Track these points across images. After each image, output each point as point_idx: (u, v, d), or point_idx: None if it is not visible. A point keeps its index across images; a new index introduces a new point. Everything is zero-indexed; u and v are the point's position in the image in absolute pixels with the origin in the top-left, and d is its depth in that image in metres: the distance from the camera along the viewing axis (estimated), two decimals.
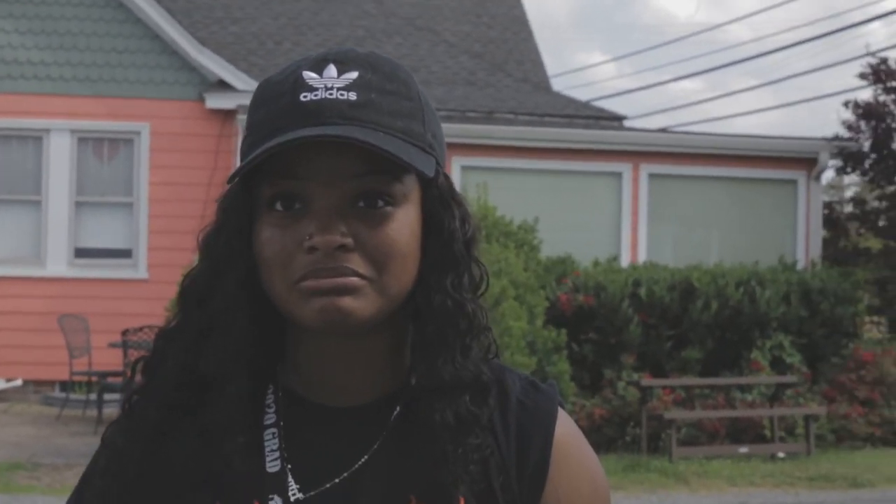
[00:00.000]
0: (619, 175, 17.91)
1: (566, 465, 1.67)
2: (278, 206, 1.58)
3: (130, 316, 16.15)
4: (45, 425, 15.17)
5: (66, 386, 16.82)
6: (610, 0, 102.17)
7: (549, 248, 15.84)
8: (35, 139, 17.65)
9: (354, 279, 1.54)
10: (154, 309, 15.44)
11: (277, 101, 1.59)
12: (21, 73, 17.66)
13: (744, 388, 14.85)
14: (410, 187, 1.61)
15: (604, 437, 13.87)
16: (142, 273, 17.41)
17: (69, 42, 17.78)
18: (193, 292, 1.68)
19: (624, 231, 17.79)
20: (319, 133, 1.53)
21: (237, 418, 1.62)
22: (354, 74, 1.59)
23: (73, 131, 17.61)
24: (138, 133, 17.70)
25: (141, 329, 14.72)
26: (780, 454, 13.78)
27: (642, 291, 15.24)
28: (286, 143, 1.53)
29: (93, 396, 15.59)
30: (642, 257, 17.44)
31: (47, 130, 17.57)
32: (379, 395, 1.67)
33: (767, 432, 14.14)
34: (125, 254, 17.62)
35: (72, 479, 11.75)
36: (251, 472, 1.63)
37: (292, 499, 1.61)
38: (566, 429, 1.70)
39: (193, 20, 20.08)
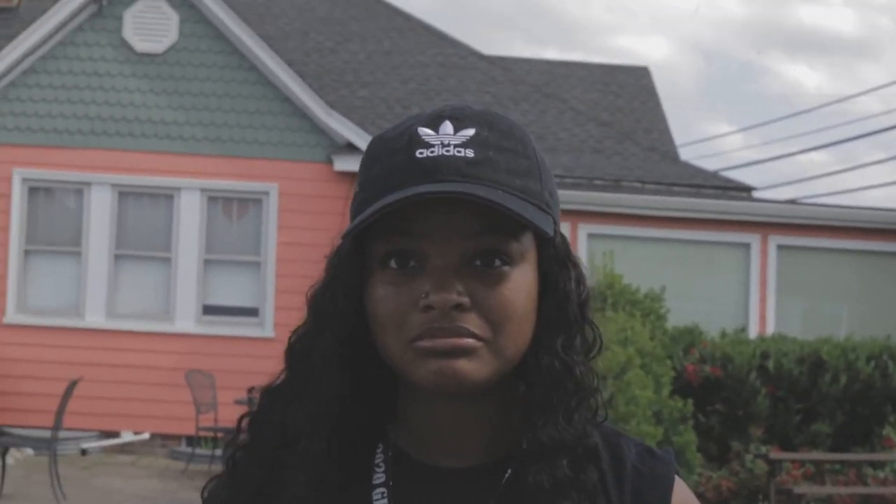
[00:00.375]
0: (747, 246, 17.76)
1: None
2: (392, 264, 1.56)
3: (256, 374, 16.18)
4: (172, 479, 15.29)
5: (192, 440, 16.96)
6: (738, 71, 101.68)
7: (676, 317, 15.69)
8: (166, 197, 17.92)
9: (470, 340, 1.52)
10: (280, 367, 15.50)
11: (392, 158, 1.57)
12: (154, 132, 17.97)
13: (876, 465, 14.55)
14: (527, 247, 1.58)
15: None
16: (268, 331, 17.54)
17: (201, 103, 18.07)
18: (298, 349, 1.67)
19: (752, 302, 17.61)
20: (440, 190, 1.51)
21: (303, 476, 1.60)
22: (471, 132, 1.57)
23: (203, 190, 17.86)
24: (267, 193, 17.90)
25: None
26: None
27: (770, 363, 15.03)
28: (406, 199, 1.51)
29: (218, 452, 15.71)
30: (770, 329, 17.23)
31: (178, 189, 17.84)
32: (490, 457, 1.64)
33: None
34: (252, 312, 17.77)
35: None
36: None
37: None
38: (683, 496, 1.65)
39: (323, 84, 20.31)
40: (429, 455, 1.64)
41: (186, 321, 17.67)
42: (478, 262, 1.54)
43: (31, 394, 17.05)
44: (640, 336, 13.71)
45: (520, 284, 1.56)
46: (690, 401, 13.73)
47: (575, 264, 1.65)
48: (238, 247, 17.95)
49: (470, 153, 1.54)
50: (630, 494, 1.61)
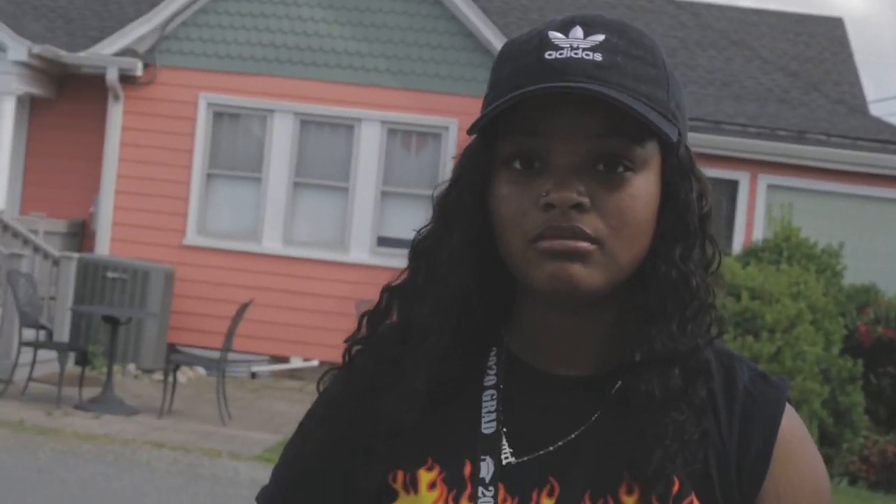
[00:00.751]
0: None
1: (789, 461, 1.60)
2: (517, 165, 1.56)
3: None
4: None
5: None
6: None
7: (853, 276, 15.40)
8: (347, 127, 18.11)
9: (586, 244, 1.52)
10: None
11: (522, 59, 1.57)
12: (337, 63, 18.14)
13: None
14: (651, 154, 1.57)
15: (895, 476, 13.40)
16: None
17: (385, 35, 18.17)
18: (422, 249, 1.68)
19: None
20: (567, 85, 1.51)
21: (424, 370, 1.62)
22: (601, 37, 1.56)
23: (383, 122, 17.99)
24: (446, 128, 17.97)
25: None
26: None
27: None
28: (529, 92, 1.51)
29: None
30: None
31: (359, 120, 18.00)
32: (602, 367, 1.62)
33: None
34: None
35: None
36: (466, 431, 1.62)
37: (504, 462, 1.60)
38: (792, 424, 1.62)
39: (508, 20, 20.24)
40: (541, 362, 1.64)
41: (361, 251, 17.88)
42: (600, 166, 1.54)
43: (205, 315, 17.46)
44: (814, 291, 13.49)
45: (641, 191, 1.55)
46: (861, 361, 13.50)
47: (699, 178, 1.63)
48: (415, 180, 18.06)
49: (598, 57, 1.54)
50: (739, 416, 1.60)
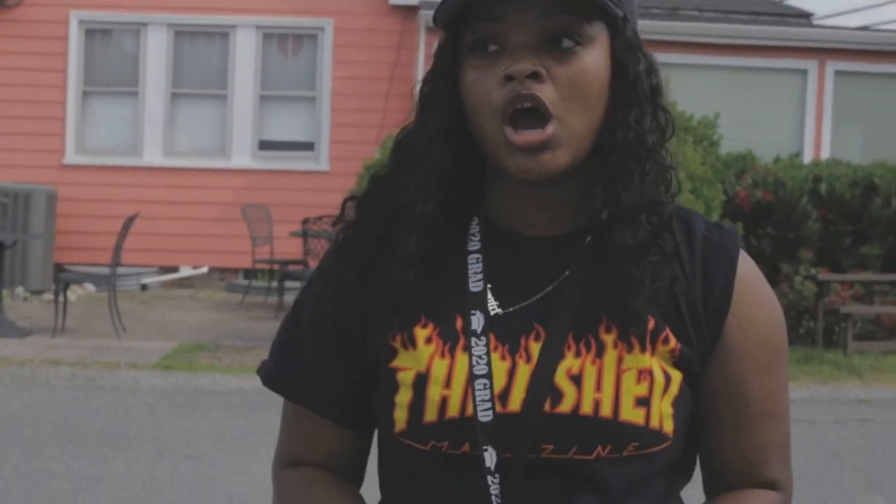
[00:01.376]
0: (804, 72, 17.58)
1: (748, 296, 1.78)
2: (479, 50, 1.71)
3: (311, 207, 16.44)
4: (228, 310, 15.60)
5: (248, 273, 17.28)
6: None
7: (730, 144, 15.62)
8: (222, 35, 17.99)
9: (550, 130, 1.67)
10: (334, 200, 15.56)
11: None
12: None
13: None
14: (598, 31, 1.71)
15: None
16: (323, 165, 17.69)
17: None
18: (405, 140, 1.83)
19: (808, 129, 17.49)
20: None
21: (416, 234, 1.76)
22: None
23: (258, 27, 17.90)
24: (322, 29, 17.91)
25: (320, 219, 15.03)
26: None
27: (822, 187, 14.95)
28: None
29: (274, 283, 16.00)
30: (825, 155, 17.12)
31: (233, 26, 17.89)
32: (574, 228, 1.78)
33: None
34: (307, 146, 17.92)
35: (251, 360, 12.10)
36: (456, 292, 1.77)
37: (492, 313, 1.74)
38: (747, 265, 1.81)
39: None
40: (517, 226, 1.81)
41: (242, 157, 17.84)
42: (552, 42, 1.69)
43: (91, 232, 17.39)
44: (691, 161, 13.67)
45: (590, 64, 1.70)
46: (741, 224, 13.75)
47: (646, 55, 1.78)
48: (293, 82, 18.03)
49: None
50: (700, 261, 1.77)
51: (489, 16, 1.69)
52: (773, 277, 14.60)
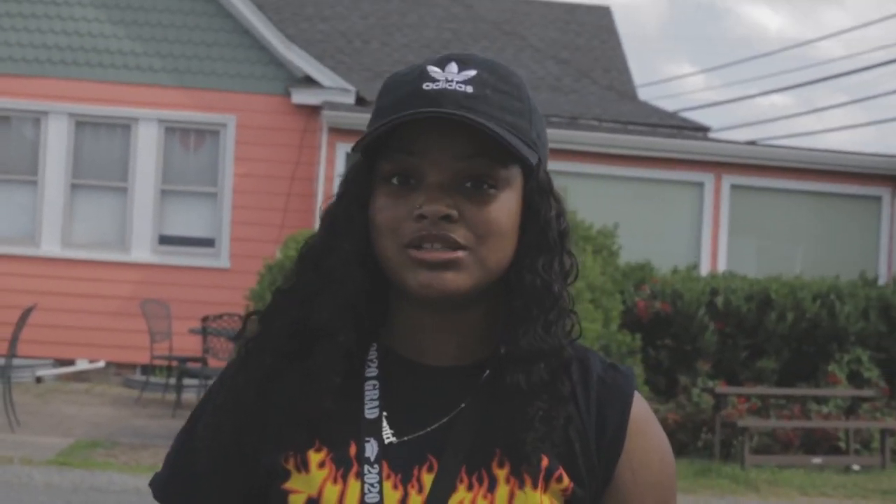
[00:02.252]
0: (700, 185, 17.91)
1: (639, 438, 1.83)
2: (395, 181, 1.75)
3: (211, 304, 16.37)
4: (125, 406, 15.40)
5: (146, 369, 17.10)
6: (700, 12, 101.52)
7: (629, 254, 15.84)
8: (123, 127, 17.93)
9: (457, 253, 1.71)
10: (234, 298, 15.63)
11: (402, 89, 1.77)
12: (111, 62, 17.95)
13: (820, 400, 14.77)
14: (513, 175, 1.77)
15: (676, 443, 13.83)
16: (224, 262, 17.63)
17: (159, 33, 18.05)
18: (311, 255, 1.85)
19: (704, 241, 17.79)
20: (435, 111, 1.71)
21: (339, 364, 1.78)
22: (473, 72, 1.76)
23: (160, 121, 17.87)
24: (224, 125, 17.93)
25: (221, 317, 14.95)
26: (855, 467, 13.70)
27: (719, 300, 15.21)
28: (404, 116, 1.71)
29: (172, 380, 15.83)
30: (722, 268, 17.42)
31: (135, 119, 17.85)
32: (472, 360, 1.81)
33: (842, 444, 14.06)
34: (208, 242, 17.85)
35: (148, 458, 11.95)
36: (350, 418, 1.79)
37: (386, 441, 1.76)
38: (641, 407, 1.85)
39: (283, 17, 20.30)
40: (415, 354, 1.82)
41: (142, 251, 17.72)
42: (468, 184, 1.73)
43: None
44: (591, 271, 13.84)
45: (503, 206, 1.75)
46: (639, 335, 13.93)
47: (557, 199, 1.84)
48: (195, 178, 18.00)
49: (469, 89, 1.74)
50: (595, 403, 1.81)
51: (409, 150, 1.74)
52: (671, 389, 14.80)
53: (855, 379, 15.16)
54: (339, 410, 1.78)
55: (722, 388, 14.15)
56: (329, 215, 1.85)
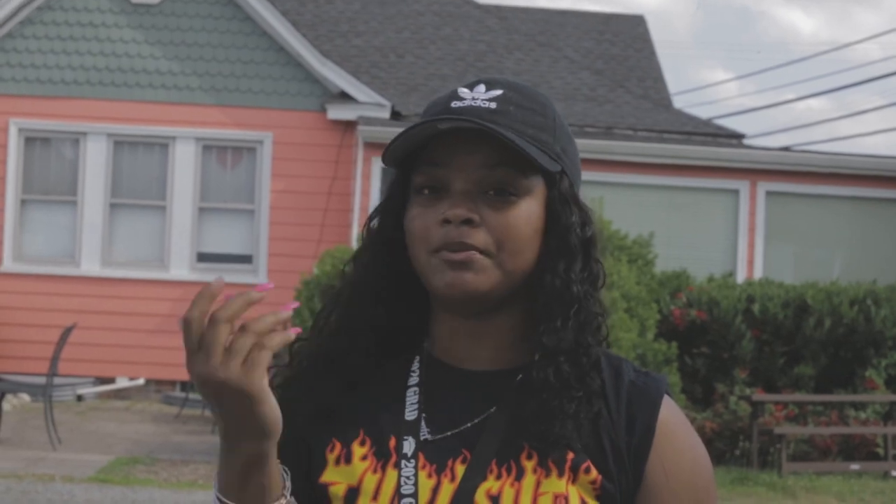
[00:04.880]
0: (736, 192, 17.87)
1: (670, 441, 1.89)
2: (425, 191, 1.88)
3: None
4: (165, 423, 15.53)
5: (185, 386, 17.22)
6: (732, 17, 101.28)
7: (665, 263, 15.86)
8: (161, 146, 18.09)
9: (475, 254, 1.83)
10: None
11: (434, 109, 1.91)
12: (149, 82, 18.12)
13: (857, 406, 14.73)
14: (535, 184, 1.88)
15: (714, 451, 13.83)
16: (261, 278, 17.72)
17: (196, 53, 18.21)
18: (352, 271, 2.01)
19: (740, 248, 17.76)
20: (461, 119, 1.83)
21: (363, 366, 1.95)
22: (499, 92, 1.90)
23: (197, 139, 18.02)
24: (261, 142, 18.06)
25: None
26: (894, 472, 13.65)
27: (756, 307, 15.17)
28: (424, 125, 1.84)
29: None
30: (758, 275, 17.37)
31: (173, 138, 18.00)
32: (508, 365, 1.92)
33: (880, 450, 14.02)
34: (245, 259, 17.97)
35: (188, 474, 12.05)
36: (393, 417, 1.93)
37: (422, 439, 1.88)
38: (671, 410, 1.92)
39: (318, 33, 20.42)
40: (454, 360, 1.95)
41: (181, 268, 17.87)
42: (490, 192, 1.85)
43: (27, 341, 17.29)
44: (626, 280, 13.85)
45: (523, 213, 1.86)
46: (675, 344, 13.90)
47: (581, 208, 1.93)
48: (232, 195, 18.14)
49: (493, 105, 1.87)
50: (625, 403, 1.89)
51: (434, 161, 1.86)
52: (708, 397, 14.77)
53: (893, 384, 15.10)
54: (384, 410, 1.93)
55: (759, 395, 14.13)
56: (369, 229, 1.99)
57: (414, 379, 1.95)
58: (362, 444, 1.90)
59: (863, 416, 14.60)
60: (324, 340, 1.98)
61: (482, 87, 1.89)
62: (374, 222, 1.98)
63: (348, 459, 1.89)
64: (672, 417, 1.91)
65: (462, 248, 1.82)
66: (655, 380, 1.93)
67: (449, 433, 1.88)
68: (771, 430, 13.54)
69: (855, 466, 13.65)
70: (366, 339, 1.95)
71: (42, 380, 14.03)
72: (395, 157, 1.89)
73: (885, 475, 13.63)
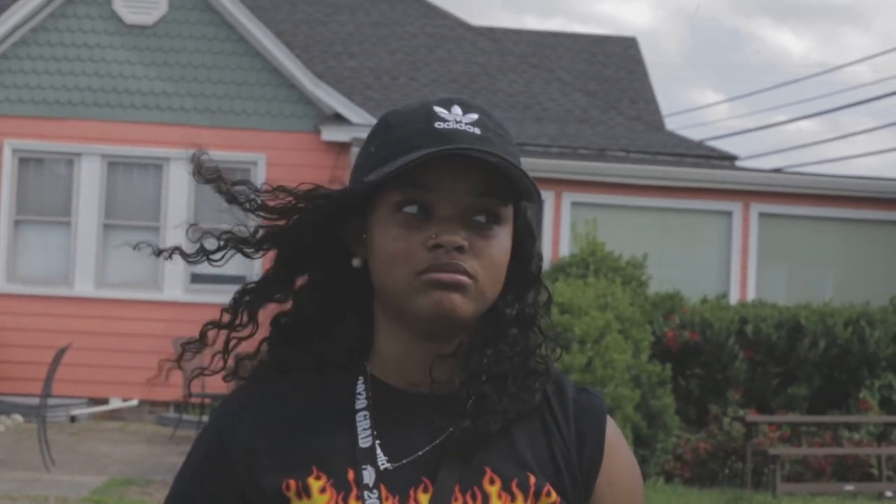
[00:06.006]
0: (729, 214, 17.90)
1: (614, 455, 1.96)
2: (406, 210, 1.85)
3: None
4: (159, 444, 15.51)
5: (179, 407, 17.20)
6: (723, 39, 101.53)
7: (658, 284, 15.89)
8: (155, 167, 18.11)
9: (466, 278, 1.82)
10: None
11: (412, 126, 1.88)
12: (144, 104, 18.15)
13: (851, 427, 14.76)
14: (509, 214, 1.90)
15: (708, 471, 13.88)
16: None
17: (190, 74, 18.24)
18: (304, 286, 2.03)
19: (733, 269, 17.78)
20: (466, 147, 1.82)
21: (306, 398, 1.95)
22: (475, 116, 1.89)
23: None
24: (255, 163, 18.08)
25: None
26: (888, 493, 13.68)
27: (749, 328, 15.22)
28: (440, 152, 1.81)
29: (205, 418, 15.92)
30: (751, 296, 17.39)
31: (167, 159, 18.02)
32: (453, 384, 1.91)
33: (874, 471, 14.04)
34: (239, 280, 17.91)
35: None
36: (345, 447, 1.88)
37: (381, 468, 1.86)
38: (612, 427, 1.98)
39: (312, 55, 20.47)
40: (402, 383, 1.92)
41: (174, 289, 17.87)
42: (475, 218, 1.86)
43: (21, 362, 17.26)
44: (620, 302, 13.89)
45: (503, 241, 1.88)
46: (669, 365, 13.94)
47: (536, 236, 1.99)
48: (226, 216, 18.07)
49: (477, 131, 1.87)
50: (573, 421, 1.94)
51: (422, 184, 1.84)
52: (702, 418, 14.79)
53: (887, 405, 15.13)
54: (334, 441, 1.89)
55: (753, 416, 14.16)
56: (308, 199, 1.97)
57: (361, 402, 1.92)
58: (317, 477, 1.85)
59: (857, 437, 14.64)
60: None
61: (458, 109, 1.89)
62: (319, 203, 1.94)
63: (308, 494, 1.84)
64: (614, 434, 1.97)
65: (454, 269, 1.82)
66: (596, 396, 1.99)
67: (405, 461, 1.87)
68: (765, 451, 13.57)
69: (849, 487, 13.66)
70: (310, 373, 1.96)
71: (35, 401, 14.03)
72: (380, 178, 1.85)
73: (880, 496, 13.66)
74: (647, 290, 15.48)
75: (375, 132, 1.93)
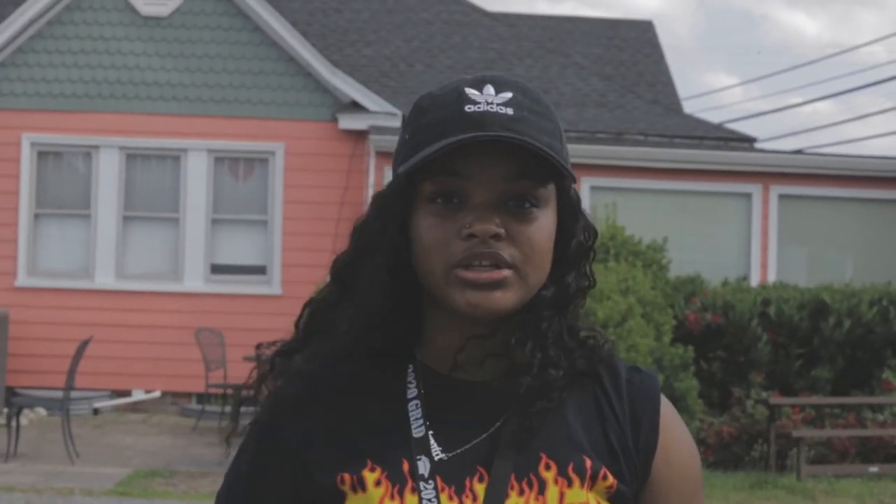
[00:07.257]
0: (748, 196, 17.86)
1: (671, 434, 1.93)
2: (440, 200, 1.81)
3: (264, 331, 16.38)
4: (182, 435, 15.54)
5: (202, 398, 17.22)
6: (735, 21, 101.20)
7: (678, 268, 15.85)
8: (173, 159, 18.12)
9: (505, 271, 1.78)
10: (287, 324, 15.28)
11: (443, 110, 1.82)
12: (160, 95, 18.15)
13: (875, 408, 14.71)
14: (550, 194, 1.85)
15: (731, 455, 13.84)
16: (276, 289, 17.75)
17: (207, 65, 18.23)
18: (343, 272, 1.92)
19: (754, 251, 17.74)
20: (496, 134, 1.77)
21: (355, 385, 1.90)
22: (509, 94, 1.83)
23: (209, 151, 18.04)
24: (273, 153, 18.08)
25: (275, 343, 14.98)
26: None
27: (771, 310, 15.16)
28: (466, 139, 1.76)
29: (228, 408, 15.94)
30: (772, 278, 17.35)
31: (185, 150, 18.02)
32: (504, 372, 1.87)
33: None
34: (259, 270, 17.99)
35: (206, 486, 12.05)
36: (398, 438, 1.86)
37: (436, 458, 1.83)
38: (668, 405, 1.95)
39: (328, 43, 20.45)
40: (455, 371, 1.88)
41: (195, 280, 17.89)
42: (511, 203, 1.80)
43: (43, 355, 17.31)
44: (642, 286, 13.86)
45: (544, 224, 1.83)
46: (691, 348, 13.89)
47: (584, 216, 1.92)
48: (245, 206, 18.16)
49: (510, 111, 1.80)
50: (627, 402, 1.90)
51: (454, 171, 1.79)
52: (725, 401, 14.75)
53: None
54: (387, 431, 1.86)
55: (776, 398, 14.12)
56: (361, 231, 1.90)
57: (412, 392, 1.89)
58: (372, 470, 1.82)
59: (880, 418, 14.58)
60: (304, 366, 1.92)
61: (490, 89, 1.82)
62: (376, 225, 1.88)
63: (363, 487, 1.81)
64: (670, 412, 1.94)
65: (491, 260, 1.77)
66: (649, 375, 1.95)
67: (460, 450, 1.84)
68: (789, 434, 13.53)
69: (874, 469, 13.63)
70: (360, 363, 1.90)
71: (59, 394, 14.06)
72: (411, 166, 1.80)
73: None
74: (668, 274, 15.43)
75: (409, 118, 1.88)
